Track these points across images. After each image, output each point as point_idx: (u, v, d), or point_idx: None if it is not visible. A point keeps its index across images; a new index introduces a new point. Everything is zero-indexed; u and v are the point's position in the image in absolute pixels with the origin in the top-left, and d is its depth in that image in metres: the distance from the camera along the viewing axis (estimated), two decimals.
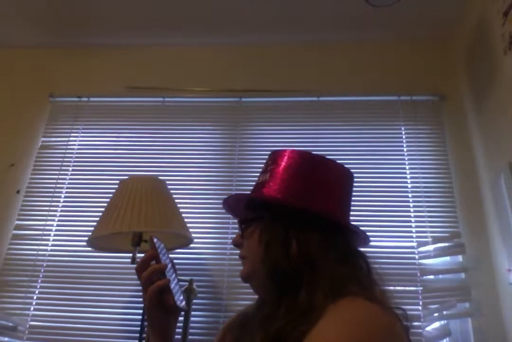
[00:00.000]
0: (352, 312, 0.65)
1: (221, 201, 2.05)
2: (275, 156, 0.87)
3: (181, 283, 0.87)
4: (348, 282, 0.72)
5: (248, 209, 0.87)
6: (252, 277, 0.82)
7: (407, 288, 1.76)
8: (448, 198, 1.89)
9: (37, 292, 1.85)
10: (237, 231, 0.89)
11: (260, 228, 0.80)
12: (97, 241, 1.63)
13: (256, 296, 0.87)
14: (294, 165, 0.84)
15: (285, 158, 0.85)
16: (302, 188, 0.81)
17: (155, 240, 0.84)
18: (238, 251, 0.86)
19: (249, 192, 0.89)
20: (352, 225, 0.82)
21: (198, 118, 2.18)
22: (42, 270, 1.89)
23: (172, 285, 0.79)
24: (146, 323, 1.57)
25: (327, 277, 0.72)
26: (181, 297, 0.81)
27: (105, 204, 1.64)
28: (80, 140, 2.17)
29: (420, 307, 1.71)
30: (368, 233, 0.84)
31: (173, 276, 0.82)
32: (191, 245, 1.69)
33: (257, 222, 0.82)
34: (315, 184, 0.82)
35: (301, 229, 0.77)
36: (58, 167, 2.10)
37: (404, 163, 1.99)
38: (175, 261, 0.88)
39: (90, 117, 2.22)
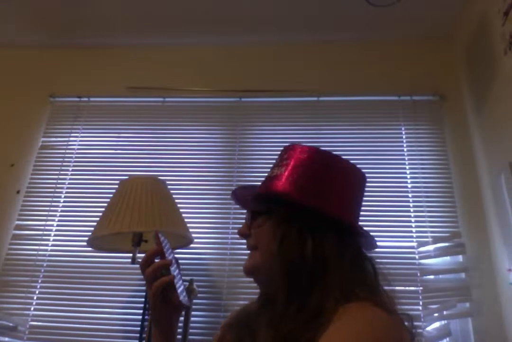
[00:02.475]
0: (363, 318, 0.66)
1: (221, 201, 2.04)
2: (291, 151, 0.86)
3: None
4: (357, 287, 0.72)
5: (256, 200, 0.86)
6: (258, 269, 0.80)
7: (407, 288, 1.76)
8: (448, 198, 1.89)
9: (37, 292, 1.86)
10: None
11: (273, 222, 0.79)
12: (97, 241, 1.63)
13: (256, 295, 0.87)
14: (312, 163, 0.82)
15: (303, 154, 0.83)
16: (318, 187, 0.80)
17: (160, 235, 0.83)
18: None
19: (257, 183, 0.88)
20: (362, 228, 0.81)
21: (198, 118, 2.18)
22: (42, 270, 1.89)
23: (176, 281, 0.79)
24: (146, 323, 1.58)
25: (339, 280, 0.71)
26: (184, 294, 0.81)
27: (105, 204, 1.64)
28: (80, 140, 2.17)
29: (420, 307, 1.71)
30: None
31: (177, 272, 0.82)
32: (191, 245, 1.69)
33: (268, 214, 0.81)
34: (331, 184, 0.81)
35: (315, 228, 0.76)
36: (58, 168, 2.10)
37: (404, 163, 1.99)
38: None
39: (90, 117, 2.22)
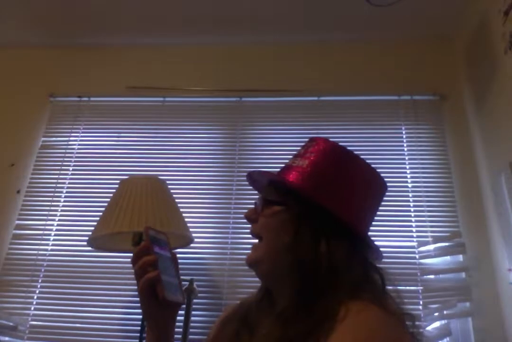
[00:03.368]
0: (363, 320, 0.66)
1: (221, 201, 2.03)
2: (318, 145, 0.84)
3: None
4: (364, 290, 0.71)
5: (271, 187, 0.84)
6: (262, 262, 0.78)
7: (408, 288, 1.76)
8: (448, 198, 1.89)
9: (37, 291, 1.86)
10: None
11: (286, 216, 0.77)
12: (98, 241, 1.63)
13: None
14: (335, 163, 0.81)
15: (330, 152, 0.83)
16: (335, 188, 0.78)
17: (149, 231, 0.82)
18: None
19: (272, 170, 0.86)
20: (371, 240, 0.81)
21: (198, 118, 2.18)
22: (42, 270, 1.89)
23: (164, 277, 0.77)
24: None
25: (349, 284, 0.71)
26: (176, 290, 0.78)
27: (106, 204, 1.64)
28: (80, 140, 2.17)
29: (420, 307, 1.71)
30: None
31: (170, 268, 0.80)
32: (192, 245, 1.70)
33: (281, 205, 0.79)
34: (350, 189, 0.79)
35: (330, 231, 0.75)
36: (59, 167, 2.10)
37: (404, 163, 1.99)
38: None
39: (90, 117, 2.22)
